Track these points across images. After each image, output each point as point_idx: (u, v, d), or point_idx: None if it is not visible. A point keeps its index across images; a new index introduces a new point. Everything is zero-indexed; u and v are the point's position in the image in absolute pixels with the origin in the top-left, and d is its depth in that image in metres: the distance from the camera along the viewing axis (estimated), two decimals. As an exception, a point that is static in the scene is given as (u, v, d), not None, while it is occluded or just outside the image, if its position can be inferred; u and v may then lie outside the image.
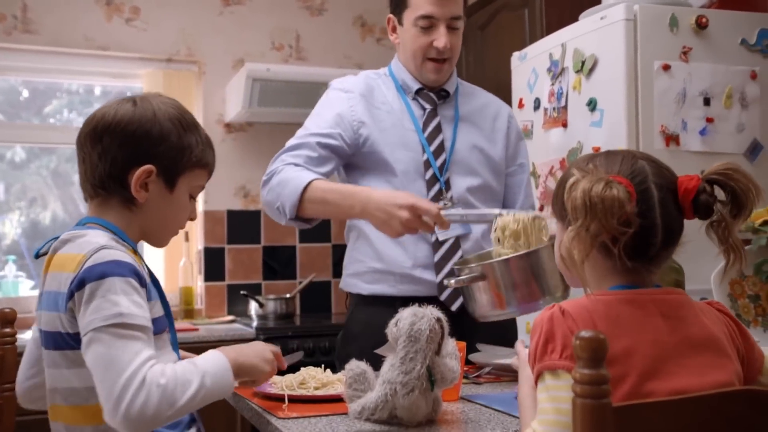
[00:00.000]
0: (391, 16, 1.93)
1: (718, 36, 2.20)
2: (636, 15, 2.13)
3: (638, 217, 1.03)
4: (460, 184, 1.86)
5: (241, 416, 2.92)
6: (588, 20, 2.28)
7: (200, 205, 3.49)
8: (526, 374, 1.15)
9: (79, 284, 1.16)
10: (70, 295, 1.17)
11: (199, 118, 3.51)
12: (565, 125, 2.33)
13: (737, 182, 1.09)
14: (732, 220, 1.08)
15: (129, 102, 1.30)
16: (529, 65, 2.54)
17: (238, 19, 3.63)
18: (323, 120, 1.85)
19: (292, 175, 1.76)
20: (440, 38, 1.82)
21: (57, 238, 1.28)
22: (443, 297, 1.79)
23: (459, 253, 1.82)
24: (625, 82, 2.12)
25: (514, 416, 1.29)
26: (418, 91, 1.92)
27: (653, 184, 1.07)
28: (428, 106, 1.90)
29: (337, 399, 1.39)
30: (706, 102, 2.18)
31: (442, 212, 1.59)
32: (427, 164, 1.85)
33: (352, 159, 1.87)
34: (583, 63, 2.25)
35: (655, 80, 2.13)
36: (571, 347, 1.00)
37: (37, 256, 1.31)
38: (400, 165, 1.84)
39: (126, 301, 1.16)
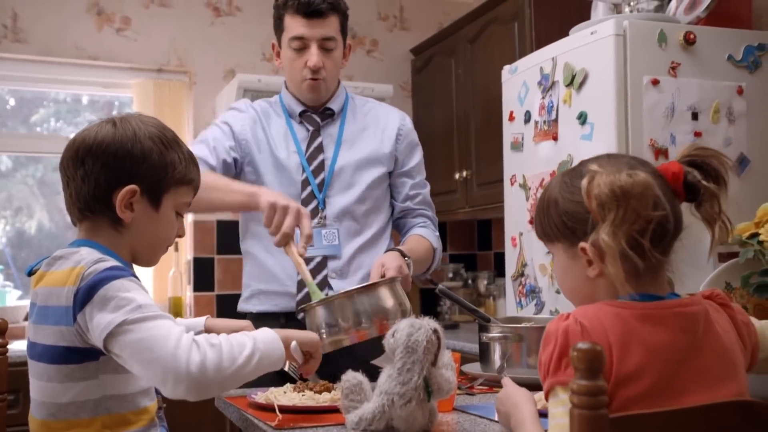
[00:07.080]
0: (274, 41, 2.03)
1: (705, 52, 2.23)
2: (626, 30, 2.15)
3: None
4: (339, 202, 1.95)
5: (231, 427, 2.91)
6: (578, 35, 2.30)
7: (190, 215, 3.48)
8: (524, 398, 1.14)
9: (88, 293, 1.17)
10: (80, 307, 1.18)
11: (189, 129, 3.51)
12: (555, 138, 2.35)
13: (709, 157, 1.11)
14: (719, 192, 1.09)
15: (109, 123, 1.30)
16: (520, 78, 2.56)
17: (229, 30, 3.63)
18: (222, 133, 1.97)
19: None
20: (312, 57, 1.92)
21: (48, 257, 1.29)
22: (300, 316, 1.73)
23: (324, 272, 1.90)
24: (614, 96, 2.15)
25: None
26: (302, 113, 2.01)
27: (648, 173, 1.06)
28: (311, 128, 2.00)
29: (329, 410, 1.40)
30: (694, 116, 2.21)
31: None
32: (306, 183, 1.95)
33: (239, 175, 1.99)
34: (573, 77, 2.28)
35: (645, 95, 2.16)
36: None
37: (30, 273, 1.32)
38: (276, 187, 1.92)
39: (139, 296, 1.19)
